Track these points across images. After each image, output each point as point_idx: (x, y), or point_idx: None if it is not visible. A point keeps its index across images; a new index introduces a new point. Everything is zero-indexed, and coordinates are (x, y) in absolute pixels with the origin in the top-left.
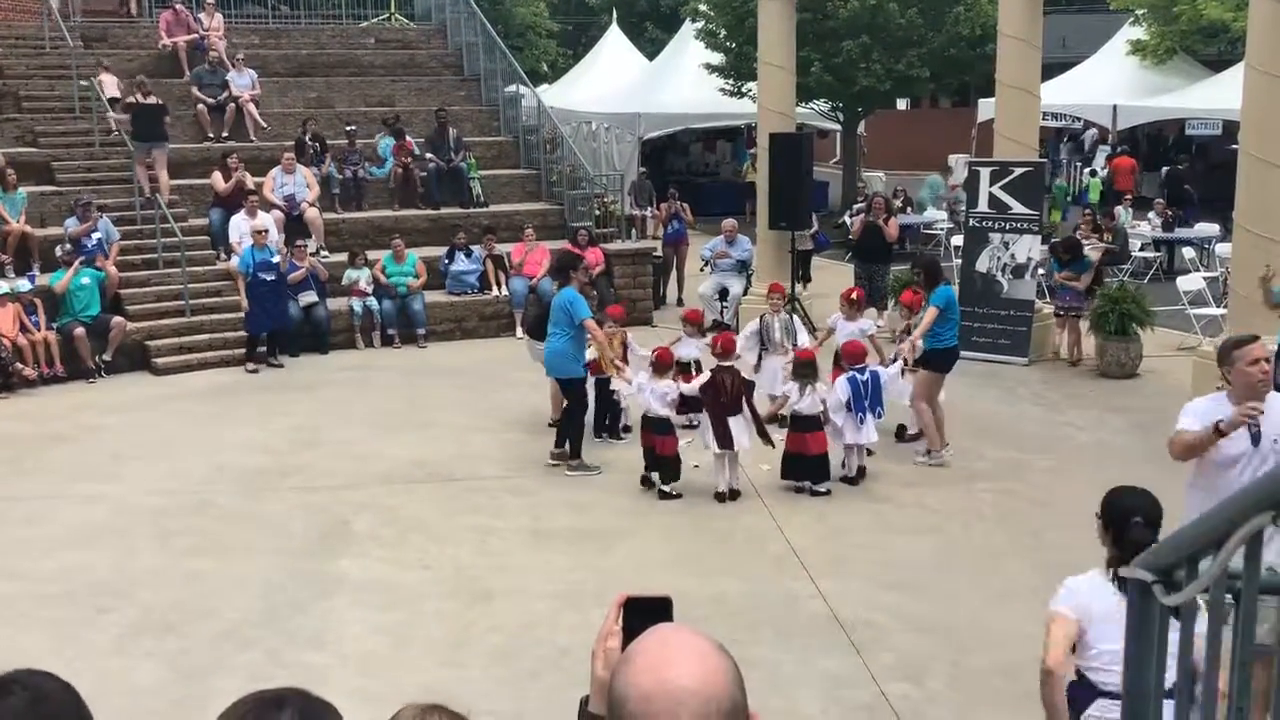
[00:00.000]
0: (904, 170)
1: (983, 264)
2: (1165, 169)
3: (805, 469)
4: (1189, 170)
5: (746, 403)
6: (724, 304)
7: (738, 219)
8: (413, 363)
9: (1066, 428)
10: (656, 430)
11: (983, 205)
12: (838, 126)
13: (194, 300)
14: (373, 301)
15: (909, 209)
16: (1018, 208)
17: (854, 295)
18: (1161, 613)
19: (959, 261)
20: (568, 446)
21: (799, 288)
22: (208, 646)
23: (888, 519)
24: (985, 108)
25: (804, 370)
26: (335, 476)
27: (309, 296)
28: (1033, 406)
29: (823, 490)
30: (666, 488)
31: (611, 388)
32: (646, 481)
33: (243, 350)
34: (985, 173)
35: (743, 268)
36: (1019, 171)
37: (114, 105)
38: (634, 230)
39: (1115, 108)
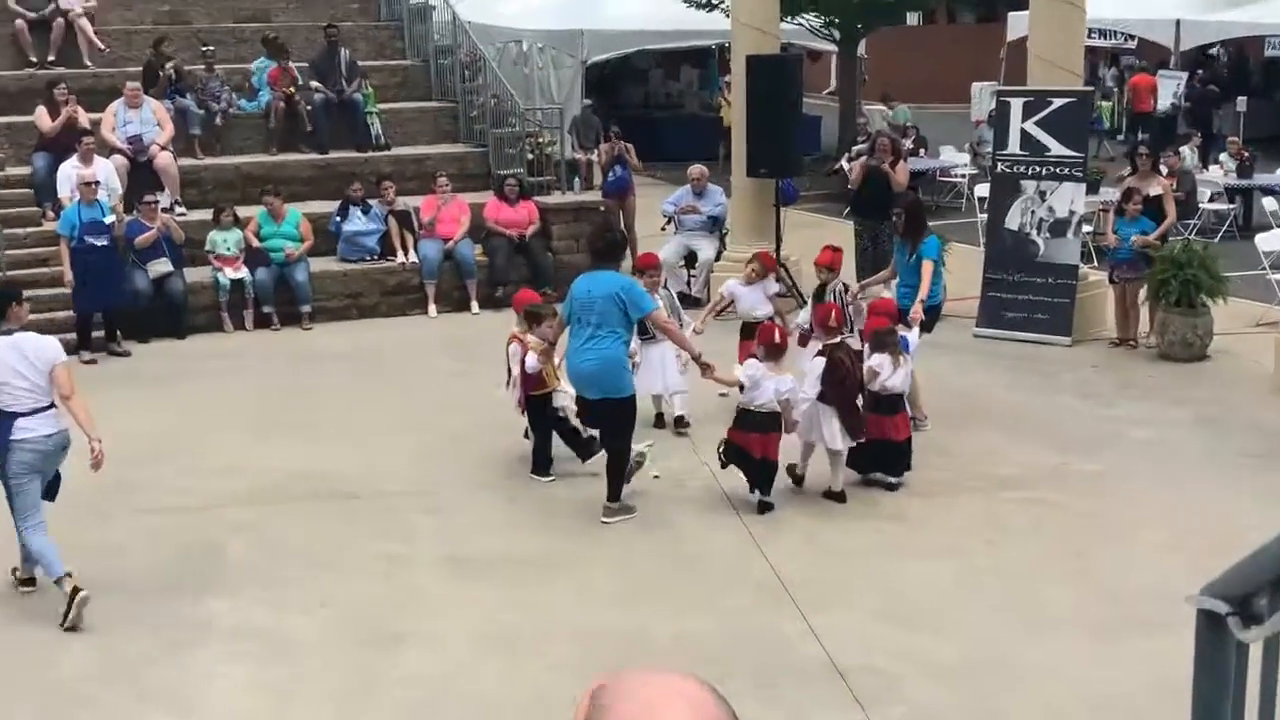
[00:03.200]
0: (915, 102)
1: (1014, 219)
2: (1191, 88)
3: (889, 458)
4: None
5: (862, 387)
6: (691, 272)
7: (709, 164)
8: (296, 349)
9: (1117, 423)
10: (760, 428)
11: (1013, 145)
12: (833, 47)
13: (14, 270)
14: (244, 272)
15: (922, 150)
16: (1057, 148)
17: (769, 258)
18: (1238, 648)
19: (984, 216)
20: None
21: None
22: (31, 711)
23: (895, 538)
24: (1016, 23)
25: (887, 338)
26: (197, 494)
27: (161, 266)
28: (1076, 398)
29: (896, 483)
30: (768, 498)
31: (555, 404)
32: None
33: (75, 335)
34: (1016, 104)
35: (714, 225)
36: (1059, 103)
37: None
38: (577, 179)
39: (1178, 23)
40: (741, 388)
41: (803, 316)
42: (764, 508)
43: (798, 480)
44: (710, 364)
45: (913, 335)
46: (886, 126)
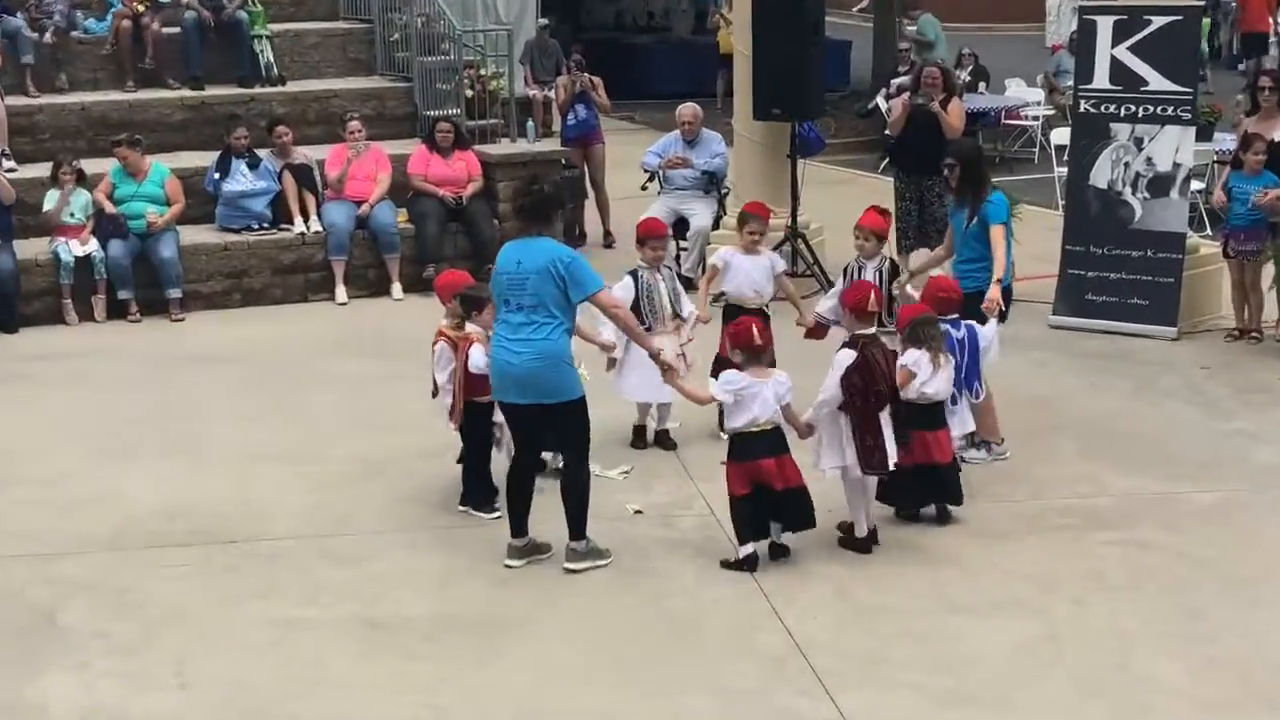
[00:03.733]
0: (972, 22)
1: (1101, 175)
2: None
3: (935, 485)
4: None
5: (892, 395)
6: (682, 243)
7: (703, 104)
8: (162, 346)
9: (1238, 440)
10: (771, 450)
11: (1100, 79)
12: None
13: None
14: (93, 245)
15: (983, 85)
16: (1158, 81)
17: (761, 207)
18: None
19: (1063, 171)
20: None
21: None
22: None
23: (950, 592)
24: None
25: (928, 332)
26: (32, 537)
27: None
28: (1184, 407)
29: (947, 518)
30: (783, 540)
31: (498, 419)
32: (747, 563)
33: None
34: (1105, 25)
35: (711, 183)
36: (1160, 22)
37: None
38: (531, 122)
39: None
40: (721, 415)
41: (824, 305)
42: (777, 552)
43: (869, 541)
44: (672, 366)
45: (990, 328)
46: (912, 48)
